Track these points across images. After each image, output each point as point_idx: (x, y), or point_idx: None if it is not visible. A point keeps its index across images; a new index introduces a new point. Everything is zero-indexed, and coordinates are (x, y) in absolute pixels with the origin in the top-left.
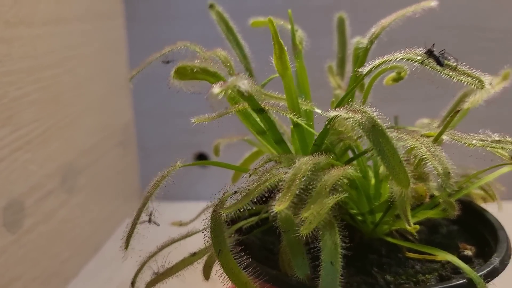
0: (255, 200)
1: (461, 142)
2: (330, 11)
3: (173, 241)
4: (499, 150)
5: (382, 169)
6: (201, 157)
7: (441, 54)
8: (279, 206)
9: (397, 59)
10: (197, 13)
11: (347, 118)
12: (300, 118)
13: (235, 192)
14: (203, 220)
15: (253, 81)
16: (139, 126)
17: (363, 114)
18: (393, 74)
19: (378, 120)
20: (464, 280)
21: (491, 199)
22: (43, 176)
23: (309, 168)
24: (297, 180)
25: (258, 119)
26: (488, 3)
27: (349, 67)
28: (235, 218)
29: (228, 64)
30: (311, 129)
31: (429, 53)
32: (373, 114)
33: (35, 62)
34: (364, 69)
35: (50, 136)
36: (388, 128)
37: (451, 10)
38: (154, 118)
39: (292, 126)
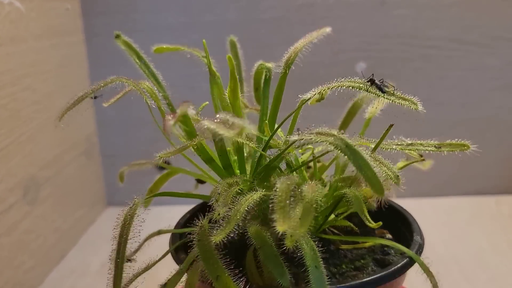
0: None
1: (385, 148)
2: (280, 22)
3: (137, 275)
4: (412, 151)
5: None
6: (164, 163)
7: (381, 82)
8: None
9: (344, 87)
10: (156, 25)
11: (320, 141)
12: (253, 143)
13: (210, 220)
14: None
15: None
16: (102, 135)
17: (333, 136)
18: (316, 96)
19: (349, 140)
20: (407, 258)
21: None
22: (4, 191)
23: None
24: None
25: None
26: (427, 14)
27: (248, 87)
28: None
29: (154, 95)
30: (263, 152)
31: (372, 81)
32: (342, 135)
33: None
34: (307, 95)
35: (10, 152)
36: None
37: (394, 20)
38: (117, 127)
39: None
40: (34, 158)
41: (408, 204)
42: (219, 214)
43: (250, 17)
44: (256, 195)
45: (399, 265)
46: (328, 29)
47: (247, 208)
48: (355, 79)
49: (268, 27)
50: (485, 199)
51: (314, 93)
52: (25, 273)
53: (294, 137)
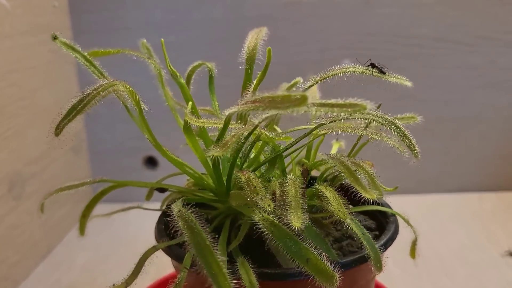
0: None
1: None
2: (266, 20)
3: None
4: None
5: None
6: (150, 160)
7: (379, 64)
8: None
9: (347, 71)
10: (144, 23)
11: (358, 118)
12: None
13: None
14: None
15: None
16: (90, 131)
17: (369, 114)
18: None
19: (386, 115)
20: (394, 216)
21: None
22: None
23: None
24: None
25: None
26: (411, 12)
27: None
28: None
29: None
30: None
31: (373, 65)
32: (377, 112)
33: None
34: (307, 84)
35: None
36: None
37: (379, 19)
38: (106, 123)
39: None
40: (20, 153)
41: (392, 201)
42: (269, 205)
43: (236, 15)
44: (296, 180)
45: (395, 222)
46: (265, 29)
47: (301, 191)
48: (356, 65)
49: (254, 25)
50: (468, 196)
51: (316, 79)
52: (10, 268)
53: (321, 121)
